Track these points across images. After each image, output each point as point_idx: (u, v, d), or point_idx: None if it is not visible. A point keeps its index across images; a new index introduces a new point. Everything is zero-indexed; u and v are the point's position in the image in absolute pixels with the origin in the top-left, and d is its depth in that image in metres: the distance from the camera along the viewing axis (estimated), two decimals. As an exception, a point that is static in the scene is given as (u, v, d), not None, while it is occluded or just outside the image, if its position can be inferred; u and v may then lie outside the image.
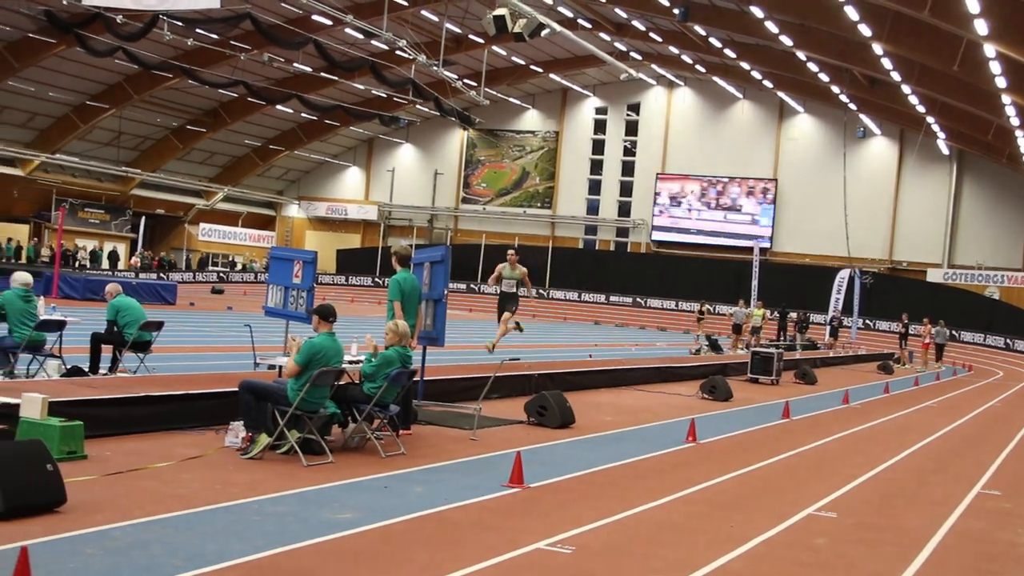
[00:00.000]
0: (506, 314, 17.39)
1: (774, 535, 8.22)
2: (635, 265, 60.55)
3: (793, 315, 42.95)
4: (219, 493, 8.06)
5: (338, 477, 9.04)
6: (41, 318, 13.05)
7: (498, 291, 18.04)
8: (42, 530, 6.46)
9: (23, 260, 49.28)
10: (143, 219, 58.27)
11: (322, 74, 49.40)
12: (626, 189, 63.33)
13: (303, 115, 58.55)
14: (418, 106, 50.97)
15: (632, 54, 52.49)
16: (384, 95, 51.84)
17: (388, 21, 34.91)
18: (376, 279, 61.26)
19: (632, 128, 63.11)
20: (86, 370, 13.40)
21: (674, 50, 50.13)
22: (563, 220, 64.74)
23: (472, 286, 59.14)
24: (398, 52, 38.45)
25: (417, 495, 8.66)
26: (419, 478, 9.39)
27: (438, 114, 48.65)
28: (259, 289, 46.85)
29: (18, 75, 46.24)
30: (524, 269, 17.86)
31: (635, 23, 46.24)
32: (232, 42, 42.08)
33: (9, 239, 51.55)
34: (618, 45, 50.93)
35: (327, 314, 10.23)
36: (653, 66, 56.32)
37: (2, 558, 5.67)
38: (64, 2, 29.16)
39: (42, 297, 14.42)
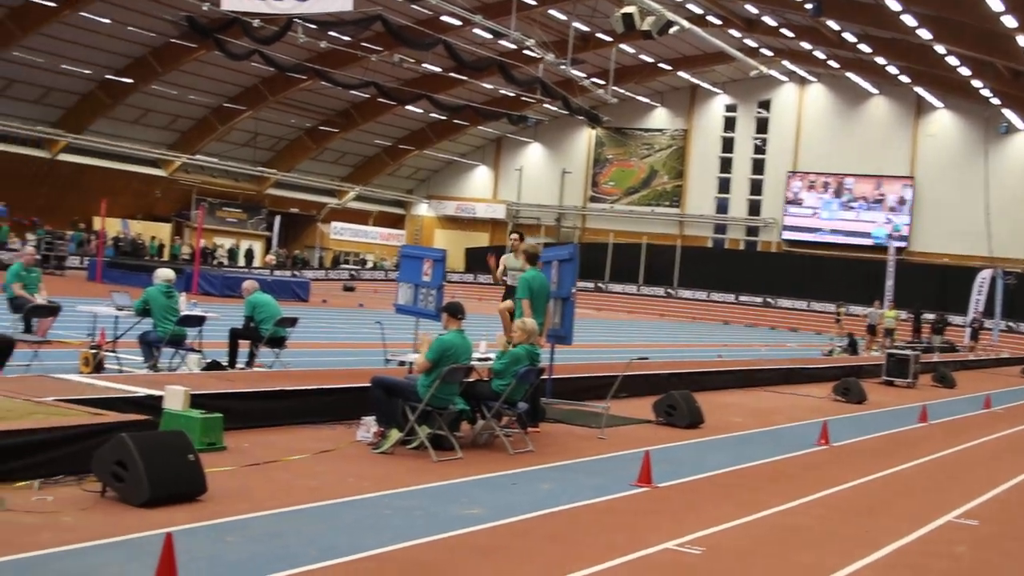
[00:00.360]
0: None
1: (910, 541, 7.99)
2: (765, 264, 59.52)
3: (929, 316, 41.65)
4: (351, 486, 8.21)
5: (467, 473, 9.12)
6: (182, 313, 13.48)
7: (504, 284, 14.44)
8: (185, 517, 6.67)
9: (166, 257, 51.05)
10: (278, 218, 59.75)
11: (451, 74, 49.89)
12: (756, 187, 62.37)
13: (432, 115, 59.21)
14: (546, 105, 51.01)
15: (763, 50, 51.62)
16: (512, 94, 52.08)
17: (516, 21, 35.04)
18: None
19: (763, 126, 62.09)
20: (224, 364, 13.82)
21: (806, 46, 49.14)
22: (692, 219, 64.08)
23: (600, 285, 59.05)
24: (526, 51, 38.57)
25: (545, 492, 8.68)
26: (547, 475, 9.41)
27: (566, 113, 48.63)
28: (389, 287, 47.59)
29: (161, 79, 47.98)
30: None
31: (766, 19, 45.47)
32: (363, 44, 42.77)
33: (152, 237, 53.49)
34: (748, 42, 50.15)
35: (457, 312, 10.33)
36: (784, 62, 55.31)
37: (148, 543, 5.88)
38: (204, 8, 30.04)
39: (183, 293, 14.89)
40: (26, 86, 46.14)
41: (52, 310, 14.55)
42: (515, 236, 14.08)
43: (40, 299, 14.79)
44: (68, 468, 7.41)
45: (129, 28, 43.18)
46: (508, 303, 13.37)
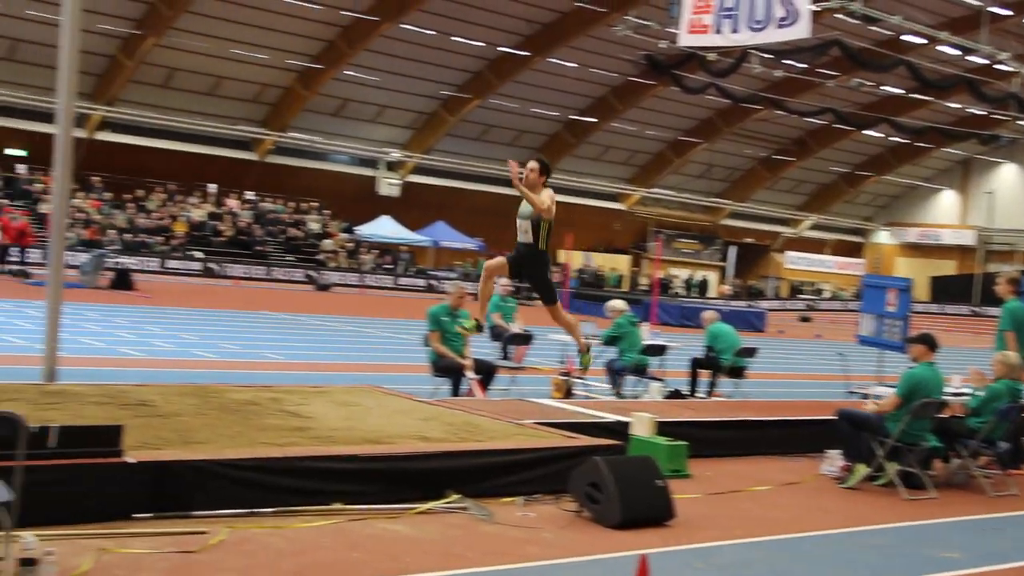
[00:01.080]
0: (571, 324, 9.74)
1: None
2: None
3: None
4: (817, 520, 8.07)
5: (940, 514, 8.64)
6: (645, 343, 13.93)
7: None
8: (655, 541, 6.86)
9: (625, 289, 52.92)
10: (733, 248, 59.94)
11: (913, 95, 47.69)
12: None
13: (893, 139, 56.91)
14: (1021, 122, 47.36)
15: None
16: (982, 113, 48.82)
17: (987, 34, 32.91)
18: (973, 308, 57.63)
19: None
20: (685, 393, 14.09)
21: None
22: None
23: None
24: (998, 66, 36.05)
25: (1032, 541, 8.03)
26: (1033, 522, 8.70)
27: (1045, 129, 44.87)
28: (847, 317, 46.19)
29: (620, 117, 50.07)
30: (549, 192, 9.01)
31: None
32: (819, 70, 42.03)
33: (612, 269, 55.71)
34: None
35: (932, 343, 9.84)
36: None
37: (622, 564, 6.13)
38: (661, 45, 31.02)
39: (645, 323, 15.38)
40: (501, 130, 50.02)
41: (526, 338, 15.56)
42: (533, 166, 9.01)
43: (516, 328, 15.89)
44: (545, 487, 7.88)
45: (591, 70, 45.49)
46: (499, 260, 9.52)
